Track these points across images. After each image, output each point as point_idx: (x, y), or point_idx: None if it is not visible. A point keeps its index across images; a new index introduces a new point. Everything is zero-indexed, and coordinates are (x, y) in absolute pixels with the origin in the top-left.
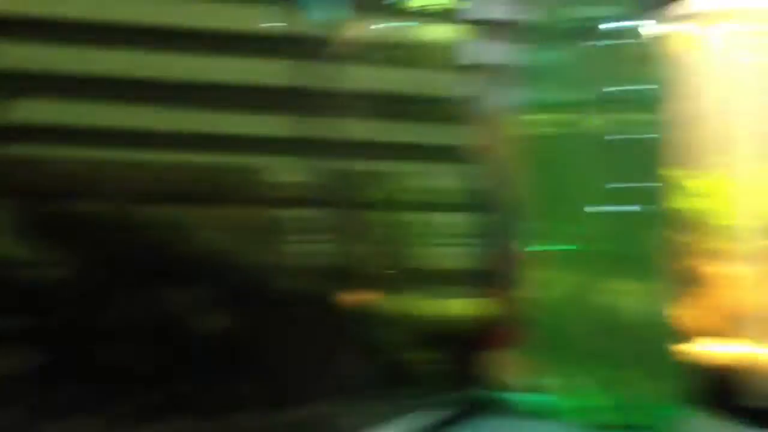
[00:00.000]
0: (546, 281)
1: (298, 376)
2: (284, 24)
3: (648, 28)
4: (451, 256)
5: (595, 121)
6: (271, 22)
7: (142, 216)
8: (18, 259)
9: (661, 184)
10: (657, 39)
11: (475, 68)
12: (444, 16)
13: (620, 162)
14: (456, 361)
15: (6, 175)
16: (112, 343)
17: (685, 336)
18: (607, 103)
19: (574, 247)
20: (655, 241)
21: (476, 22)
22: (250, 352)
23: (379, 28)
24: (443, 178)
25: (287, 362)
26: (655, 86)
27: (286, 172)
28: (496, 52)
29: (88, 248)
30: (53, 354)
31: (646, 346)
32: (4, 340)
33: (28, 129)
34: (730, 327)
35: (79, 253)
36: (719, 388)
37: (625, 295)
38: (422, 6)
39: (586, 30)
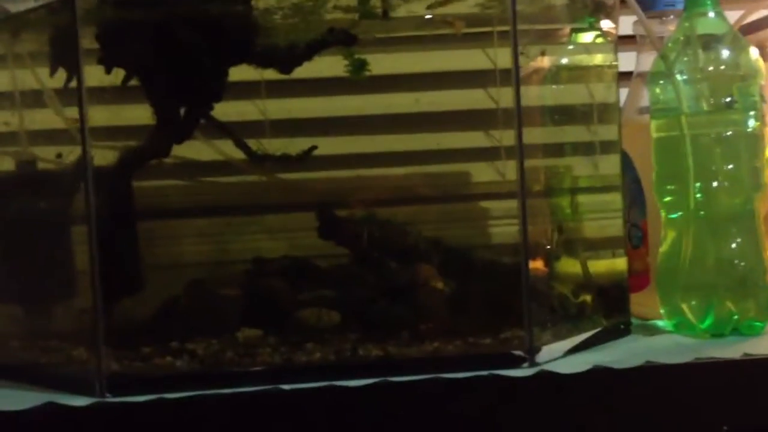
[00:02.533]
0: (670, 240)
1: (500, 316)
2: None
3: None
4: (603, 226)
5: (714, 121)
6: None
7: (389, 215)
8: (320, 251)
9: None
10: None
11: (621, 77)
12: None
13: (731, 150)
14: (609, 302)
15: (306, 193)
16: (380, 303)
17: None
18: (728, 107)
19: (690, 215)
20: (752, 206)
21: (620, 37)
22: (467, 305)
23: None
24: (599, 167)
25: (493, 309)
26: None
27: (488, 174)
28: (637, 62)
29: (359, 241)
30: (347, 313)
31: (749, 279)
32: (318, 304)
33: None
34: None
35: (355, 245)
36: None
37: (733, 246)
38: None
39: (712, 40)
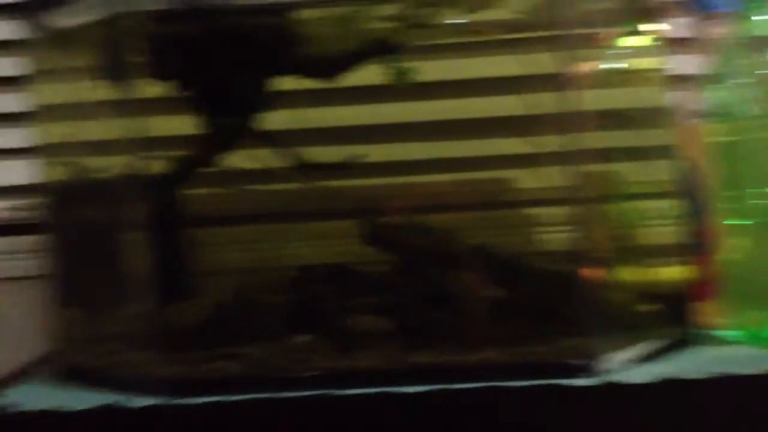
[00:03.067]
0: (734, 247)
1: (554, 325)
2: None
3: None
4: (662, 233)
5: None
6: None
7: (432, 223)
8: (364, 258)
9: None
10: None
11: (673, 81)
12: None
13: None
14: (670, 311)
15: (351, 200)
16: (427, 308)
17: None
18: None
19: (754, 221)
20: None
21: (672, 41)
22: (514, 312)
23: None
24: (654, 173)
25: (543, 317)
26: None
27: (534, 180)
28: (690, 64)
29: (403, 247)
30: (394, 318)
31: None
32: (362, 311)
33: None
34: None
35: (399, 250)
36: None
37: None
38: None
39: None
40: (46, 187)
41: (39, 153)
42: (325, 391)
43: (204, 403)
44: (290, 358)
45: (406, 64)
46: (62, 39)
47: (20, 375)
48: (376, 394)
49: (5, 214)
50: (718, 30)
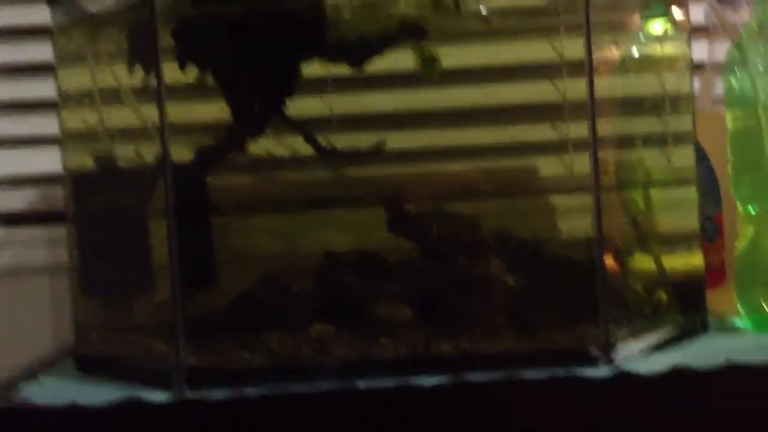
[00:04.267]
0: (749, 235)
1: (571, 312)
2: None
3: None
4: (679, 220)
5: None
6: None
7: (459, 210)
8: (390, 246)
9: None
10: None
11: (694, 67)
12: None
13: None
14: (686, 298)
15: (375, 188)
16: (453, 294)
17: None
18: None
19: None
20: None
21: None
22: (535, 299)
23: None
24: (673, 159)
25: (566, 305)
26: None
27: (558, 168)
28: (709, 51)
29: (429, 235)
30: (418, 307)
31: None
32: (386, 299)
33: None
34: None
35: (425, 239)
36: None
37: None
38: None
39: None
40: (71, 176)
41: (64, 141)
42: (346, 383)
43: (226, 397)
44: (313, 347)
45: (433, 50)
46: (91, 23)
47: (42, 366)
48: (397, 386)
49: (30, 204)
50: (739, 17)
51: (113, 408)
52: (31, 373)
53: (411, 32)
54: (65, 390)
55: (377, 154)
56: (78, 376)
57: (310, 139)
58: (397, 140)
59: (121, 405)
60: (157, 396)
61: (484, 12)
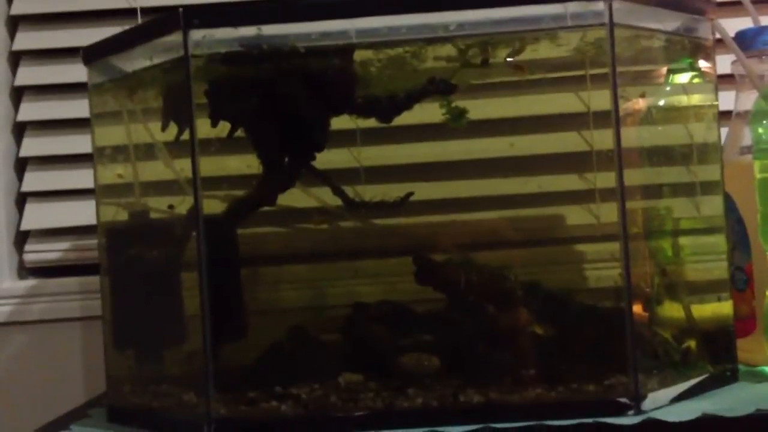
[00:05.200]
0: None
1: (600, 362)
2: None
3: None
4: (708, 269)
5: None
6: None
7: (483, 260)
8: (417, 296)
9: None
10: None
11: (722, 117)
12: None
13: None
14: (715, 347)
15: (402, 239)
16: (481, 342)
17: None
18: None
19: None
20: None
21: (719, 76)
22: (564, 349)
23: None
24: (702, 209)
25: (596, 354)
26: None
27: (584, 216)
28: (736, 101)
29: (456, 286)
30: (447, 358)
31: None
32: (418, 349)
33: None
34: None
35: (452, 290)
36: None
37: None
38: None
39: None
40: (105, 228)
41: (98, 194)
42: None
43: None
44: (343, 397)
45: (461, 104)
46: (126, 82)
47: (74, 417)
48: None
49: (64, 255)
50: (765, 66)
51: None
52: (63, 424)
53: (440, 88)
54: None
55: (405, 204)
56: (109, 427)
57: (338, 191)
58: (425, 191)
59: None
60: None
61: (512, 65)
